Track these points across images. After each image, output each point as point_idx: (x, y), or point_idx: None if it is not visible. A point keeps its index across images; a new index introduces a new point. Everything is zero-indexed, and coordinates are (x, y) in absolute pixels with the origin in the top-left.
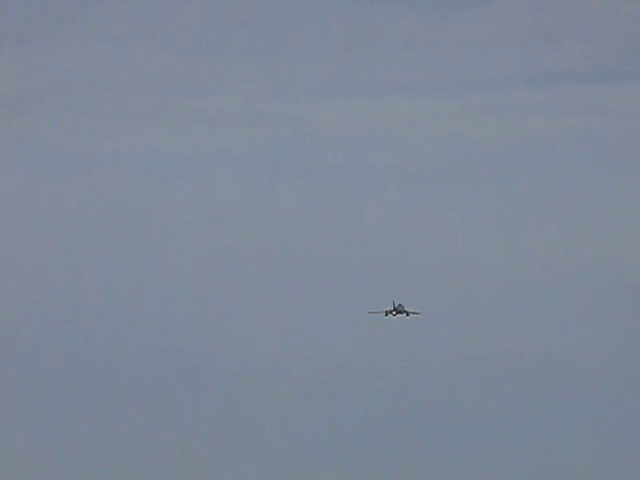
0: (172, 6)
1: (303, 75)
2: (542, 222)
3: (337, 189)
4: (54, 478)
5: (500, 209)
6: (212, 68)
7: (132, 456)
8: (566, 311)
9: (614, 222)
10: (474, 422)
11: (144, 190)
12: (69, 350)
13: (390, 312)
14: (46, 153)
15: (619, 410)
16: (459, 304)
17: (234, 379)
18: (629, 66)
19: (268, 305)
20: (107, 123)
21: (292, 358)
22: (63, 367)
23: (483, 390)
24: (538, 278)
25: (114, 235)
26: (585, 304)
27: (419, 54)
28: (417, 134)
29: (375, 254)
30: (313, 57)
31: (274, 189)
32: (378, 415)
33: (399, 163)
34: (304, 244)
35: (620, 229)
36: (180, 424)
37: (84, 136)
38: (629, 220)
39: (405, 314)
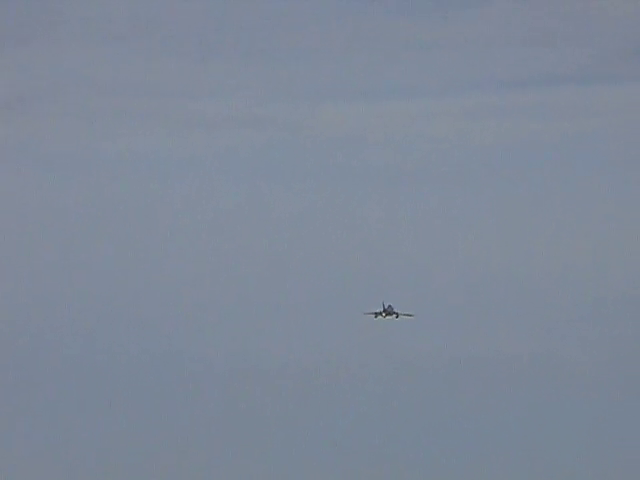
0: (171, 9)
1: (301, 78)
2: (539, 223)
3: (336, 191)
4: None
5: (498, 210)
6: (211, 71)
7: (130, 458)
8: (562, 314)
9: (612, 224)
10: (465, 423)
11: (143, 192)
12: (67, 352)
13: (380, 314)
14: (45, 155)
15: (612, 413)
16: (455, 305)
17: (228, 378)
18: (628, 68)
19: (261, 306)
20: (106, 125)
21: (283, 359)
22: (61, 369)
23: (473, 391)
24: (533, 280)
25: (112, 237)
26: (581, 306)
27: (417, 56)
28: (415, 135)
29: (373, 256)
30: (311, 60)
31: (272, 191)
32: (369, 416)
33: (398, 164)
34: (302, 246)
35: (618, 231)
36: (173, 424)
37: (83, 138)
38: (628, 222)
39: (395, 315)
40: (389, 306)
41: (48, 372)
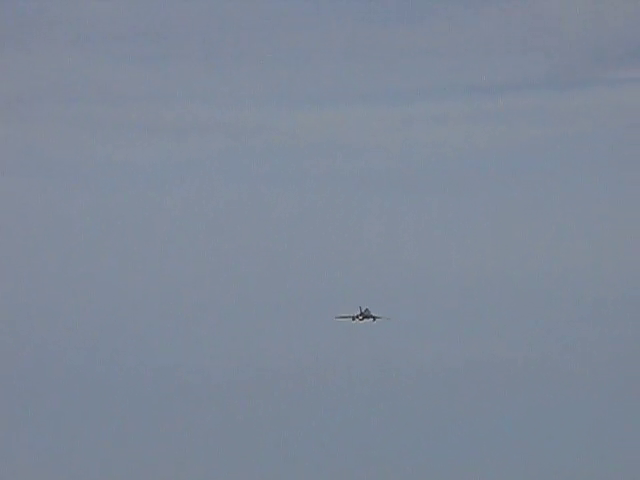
0: (168, 16)
1: (300, 82)
2: (537, 228)
3: (334, 196)
4: None
5: (496, 214)
6: (207, 77)
7: (126, 467)
8: (558, 318)
9: (609, 228)
10: (453, 428)
11: (138, 197)
12: (66, 363)
13: (357, 317)
14: (43, 162)
15: (610, 417)
16: (453, 309)
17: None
18: (625, 70)
19: (254, 311)
20: (103, 132)
21: (281, 361)
22: (60, 375)
23: (467, 396)
24: (529, 284)
25: (109, 243)
26: (577, 311)
27: (416, 61)
28: (414, 140)
29: (372, 261)
30: (310, 65)
31: (270, 196)
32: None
33: (396, 169)
34: (300, 250)
35: (614, 233)
36: (160, 430)
37: (81, 145)
38: (624, 226)
39: (372, 319)
40: (366, 309)
41: (47, 382)
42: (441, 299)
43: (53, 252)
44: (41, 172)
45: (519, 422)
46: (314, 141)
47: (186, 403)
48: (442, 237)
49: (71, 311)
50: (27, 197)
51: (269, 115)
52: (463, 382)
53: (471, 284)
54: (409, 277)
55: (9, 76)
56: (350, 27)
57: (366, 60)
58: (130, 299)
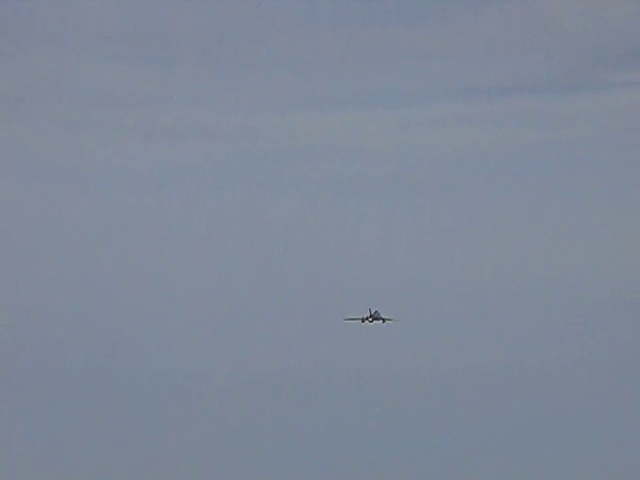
0: (167, 21)
1: (295, 87)
2: (535, 231)
3: (330, 199)
4: None
5: (493, 217)
6: (206, 82)
7: (125, 470)
8: (557, 322)
9: (608, 230)
10: (457, 431)
11: (137, 201)
12: (64, 367)
13: (366, 319)
14: (42, 166)
15: (609, 420)
16: (451, 313)
17: (214, 387)
18: (624, 73)
19: (248, 315)
20: (102, 136)
21: (280, 363)
22: (58, 382)
23: (457, 396)
24: (528, 287)
25: (108, 246)
26: (576, 315)
27: (413, 63)
28: (410, 143)
29: (369, 264)
30: (305, 70)
31: (267, 200)
32: (355, 421)
33: (393, 172)
34: (297, 254)
35: (614, 236)
36: (159, 431)
37: (80, 148)
38: (623, 230)
39: (382, 321)
40: (376, 311)
41: (46, 386)
42: (441, 302)
43: (52, 255)
44: (40, 175)
45: (519, 423)
46: (311, 144)
47: (194, 407)
48: (440, 241)
49: (69, 314)
50: (25, 200)
51: (266, 119)
52: (468, 384)
53: (470, 287)
54: (407, 280)
55: (8, 79)
56: (347, 30)
57: (363, 63)
58: (132, 303)
